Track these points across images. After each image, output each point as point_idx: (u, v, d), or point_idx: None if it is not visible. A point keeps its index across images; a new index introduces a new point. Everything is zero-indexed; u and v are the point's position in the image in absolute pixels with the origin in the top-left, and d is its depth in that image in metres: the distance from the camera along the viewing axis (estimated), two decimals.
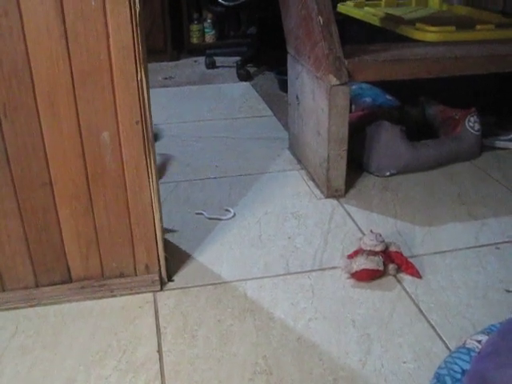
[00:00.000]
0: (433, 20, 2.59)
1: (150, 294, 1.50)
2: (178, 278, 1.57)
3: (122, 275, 1.50)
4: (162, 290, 1.52)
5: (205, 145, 2.46)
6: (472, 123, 2.28)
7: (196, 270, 1.61)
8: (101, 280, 1.49)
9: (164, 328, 1.38)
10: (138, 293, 1.50)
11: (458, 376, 1.14)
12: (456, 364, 1.17)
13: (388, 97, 2.55)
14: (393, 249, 1.60)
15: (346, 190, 2.02)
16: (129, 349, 1.32)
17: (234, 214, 1.89)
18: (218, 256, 1.67)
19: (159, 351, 1.31)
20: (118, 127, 1.31)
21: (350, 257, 1.58)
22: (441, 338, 1.35)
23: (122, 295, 1.49)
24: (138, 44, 1.24)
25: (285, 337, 1.36)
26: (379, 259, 1.53)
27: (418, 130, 2.30)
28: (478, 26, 2.37)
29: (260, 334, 1.37)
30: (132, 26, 1.22)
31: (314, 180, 2.10)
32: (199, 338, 1.35)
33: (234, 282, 1.55)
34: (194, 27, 4.14)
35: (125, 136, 1.32)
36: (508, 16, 2.59)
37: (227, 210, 1.91)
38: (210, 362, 1.28)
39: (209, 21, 4.17)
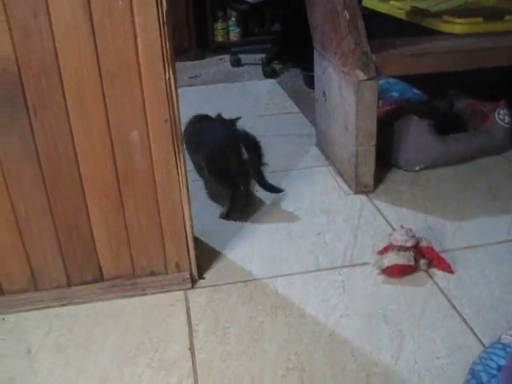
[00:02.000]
0: (460, 12, 2.55)
1: (181, 292, 1.51)
2: (209, 275, 1.57)
3: (152, 273, 1.50)
4: (192, 287, 1.52)
5: None
6: (502, 116, 2.24)
7: (226, 268, 1.61)
8: (132, 278, 1.50)
9: (196, 325, 1.39)
10: (169, 291, 1.51)
11: (494, 372, 1.13)
12: (491, 360, 1.16)
13: (415, 91, 2.52)
14: (423, 244, 1.59)
15: (375, 186, 2.00)
16: (161, 346, 1.33)
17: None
18: (247, 253, 1.67)
19: (191, 349, 1.32)
20: (146, 126, 1.31)
21: (381, 253, 1.56)
22: (474, 333, 1.34)
23: (153, 293, 1.50)
24: (166, 43, 1.24)
25: (316, 333, 1.36)
26: (410, 254, 1.52)
27: (447, 124, 2.27)
28: (507, 17, 2.33)
29: (291, 331, 1.36)
30: (159, 24, 1.22)
31: (342, 176, 2.09)
32: (231, 336, 1.35)
33: (265, 279, 1.55)
34: (219, 25, 4.15)
35: (154, 135, 1.33)
36: None
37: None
38: (242, 358, 1.28)
39: (233, 19, 4.17)
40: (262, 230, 1.79)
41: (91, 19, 1.20)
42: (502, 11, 2.47)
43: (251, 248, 1.69)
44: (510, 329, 1.25)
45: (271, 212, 1.88)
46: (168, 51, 1.25)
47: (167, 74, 1.27)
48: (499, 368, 1.13)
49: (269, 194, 1.94)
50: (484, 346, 1.28)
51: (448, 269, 1.55)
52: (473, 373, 1.16)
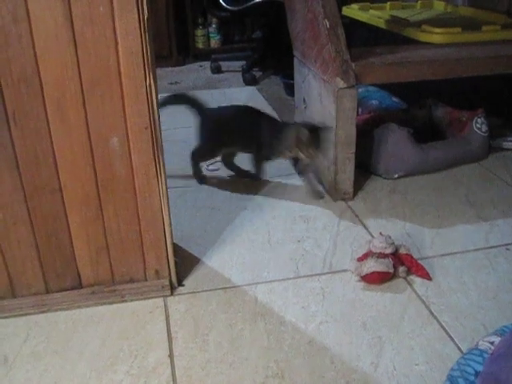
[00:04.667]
0: (438, 22, 2.59)
1: (161, 299, 1.50)
2: (188, 282, 1.57)
3: (132, 280, 1.50)
4: (172, 294, 1.52)
5: None
6: (479, 124, 2.27)
7: (206, 275, 1.61)
8: (111, 285, 1.49)
9: (175, 333, 1.39)
10: (148, 298, 1.50)
11: (472, 378, 1.14)
12: (469, 366, 1.17)
13: (394, 99, 2.55)
14: (402, 251, 1.60)
15: (355, 193, 2.02)
16: (140, 354, 1.32)
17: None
18: (227, 260, 1.67)
19: (170, 356, 1.31)
20: (127, 133, 1.31)
21: (360, 259, 1.57)
22: (452, 340, 1.35)
23: (132, 300, 1.49)
24: (147, 50, 1.24)
25: (296, 340, 1.36)
26: (389, 261, 1.53)
27: (425, 132, 2.30)
28: (484, 27, 2.37)
29: (271, 338, 1.36)
30: (140, 31, 1.22)
31: (321, 183, 2.10)
32: (210, 343, 1.35)
33: (244, 286, 1.56)
34: (199, 32, 4.15)
35: (134, 142, 1.33)
36: None
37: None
38: (222, 366, 1.28)
39: (214, 26, 4.18)
40: (242, 236, 1.79)
41: (72, 26, 1.19)
42: (480, 22, 2.51)
43: (231, 255, 1.70)
44: (488, 335, 1.26)
45: (251, 219, 1.89)
46: (149, 58, 1.25)
47: (148, 80, 1.27)
48: (476, 374, 1.14)
49: (251, 201, 1.94)
50: (462, 352, 1.29)
51: (426, 276, 1.57)
52: (451, 379, 1.17)
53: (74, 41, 1.20)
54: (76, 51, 1.21)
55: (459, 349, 1.32)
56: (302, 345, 1.35)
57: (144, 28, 1.22)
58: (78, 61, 1.22)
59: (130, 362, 1.30)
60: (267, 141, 2.01)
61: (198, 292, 1.54)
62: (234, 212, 1.93)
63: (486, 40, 2.27)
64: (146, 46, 1.24)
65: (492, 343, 1.21)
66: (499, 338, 1.21)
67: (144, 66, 1.25)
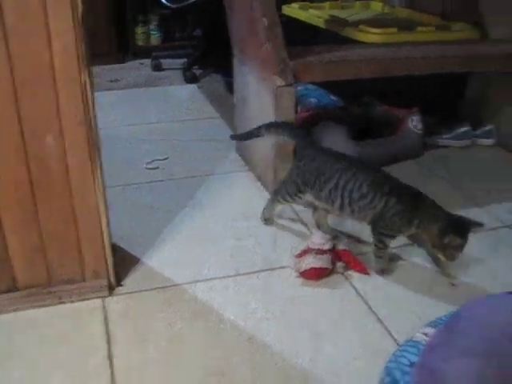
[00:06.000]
0: (376, 22, 2.64)
1: (99, 300, 1.48)
2: (128, 282, 1.55)
3: (69, 281, 1.47)
4: (110, 295, 1.50)
5: (152, 147, 2.44)
6: (415, 122, 2.33)
7: (145, 274, 1.59)
8: (48, 287, 1.46)
9: (114, 334, 1.37)
10: (86, 299, 1.47)
11: (407, 369, 1.16)
12: (404, 357, 1.19)
13: (333, 97, 2.58)
14: (341, 247, 1.63)
15: None
16: (79, 356, 1.30)
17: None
18: (167, 259, 1.66)
19: (109, 357, 1.30)
20: (61, 130, 1.29)
21: (299, 256, 1.59)
22: (390, 333, 1.38)
23: (70, 302, 1.47)
24: (81, 46, 1.22)
25: (235, 338, 1.36)
26: (327, 257, 1.55)
27: (362, 130, 2.34)
28: (419, 28, 2.43)
29: (210, 336, 1.36)
30: (75, 27, 1.20)
31: (261, 181, 2.11)
32: (149, 343, 1.34)
33: (184, 285, 1.55)
34: (139, 29, 4.09)
35: (69, 139, 1.30)
36: (447, 19, 2.66)
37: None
38: (161, 366, 1.28)
39: (154, 23, 4.12)
40: (182, 235, 1.78)
41: (3, 23, 1.16)
42: (415, 23, 2.58)
43: (171, 254, 1.69)
44: (423, 327, 1.29)
45: (191, 217, 1.88)
46: (84, 54, 1.23)
47: (83, 77, 1.25)
48: (412, 364, 1.17)
49: (191, 199, 1.94)
50: (399, 344, 1.32)
51: (364, 271, 1.59)
52: (387, 371, 1.19)
53: (5, 37, 1.17)
54: (7, 48, 1.18)
55: (396, 341, 1.35)
56: (242, 342, 1.35)
57: (78, 24, 1.20)
58: (9, 57, 1.19)
59: (68, 366, 1.27)
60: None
61: (137, 292, 1.52)
62: (175, 210, 1.92)
63: (420, 40, 2.33)
64: (81, 42, 1.22)
65: (426, 335, 1.24)
66: (434, 330, 1.24)
67: (78, 62, 1.23)
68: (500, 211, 1.94)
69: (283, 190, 1.76)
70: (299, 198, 1.73)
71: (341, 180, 1.59)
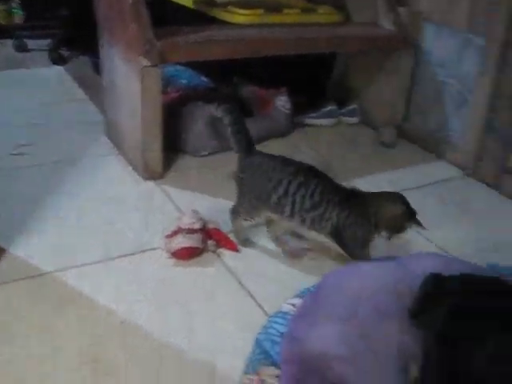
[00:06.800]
0: (243, 3, 2.66)
1: None
2: None
3: None
4: None
5: (16, 133, 2.32)
6: (283, 102, 2.40)
7: (12, 264, 1.53)
8: None
9: None
10: None
11: (277, 339, 1.20)
12: (272, 328, 1.23)
13: (203, 78, 2.60)
14: (211, 226, 1.65)
15: (165, 172, 2.04)
16: None
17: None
18: (35, 247, 1.60)
19: None
20: None
21: (169, 236, 1.59)
22: (260, 307, 1.43)
23: None
24: None
25: (109, 322, 1.35)
26: (198, 237, 1.57)
27: None
28: (285, 10, 2.49)
29: (83, 324, 1.35)
30: None
31: (131, 164, 2.08)
32: (18, 336, 1.30)
33: (54, 273, 1.51)
34: (0, 7, 3.88)
35: None
36: (313, 2, 2.74)
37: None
38: (32, 359, 1.24)
39: (17, 1, 3.92)
40: (50, 222, 1.72)
41: None
42: (282, 5, 2.63)
43: (39, 242, 1.63)
44: (290, 298, 1.34)
45: (60, 204, 1.82)
46: None
47: None
48: (281, 335, 1.21)
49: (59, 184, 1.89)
50: None
51: (234, 248, 1.63)
52: (257, 342, 1.22)
53: None
54: None
55: (267, 314, 1.39)
56: (115, 326, 1.34)
57: None
58: None
59: None
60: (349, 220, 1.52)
61: (5, 283, 1.46)
62: (42, 197, 1.84)
63: (287, 22, 2.39)
64: None
65: (294, 305, 1.29)
66: (301, 300, 1.30)
67: None
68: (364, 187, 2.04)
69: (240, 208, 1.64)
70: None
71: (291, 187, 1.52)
